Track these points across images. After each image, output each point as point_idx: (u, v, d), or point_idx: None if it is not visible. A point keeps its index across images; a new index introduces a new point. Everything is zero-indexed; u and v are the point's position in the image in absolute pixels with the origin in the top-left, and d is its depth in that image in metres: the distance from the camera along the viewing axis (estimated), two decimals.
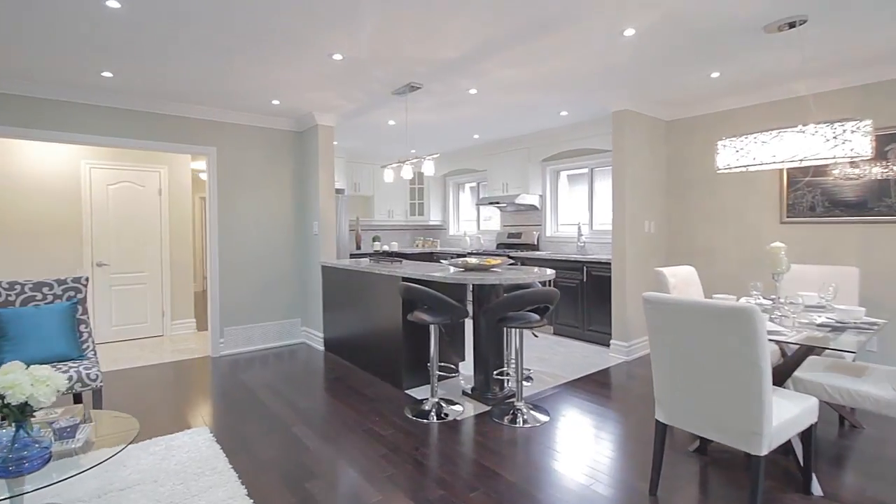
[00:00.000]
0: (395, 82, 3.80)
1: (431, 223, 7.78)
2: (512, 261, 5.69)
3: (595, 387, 3.62)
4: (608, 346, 4.68)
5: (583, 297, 4.94)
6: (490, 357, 3.36)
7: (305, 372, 4.11)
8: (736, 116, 4.33)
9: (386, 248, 6.64)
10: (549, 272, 3.24)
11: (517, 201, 5.84)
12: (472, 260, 3.53)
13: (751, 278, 4.25)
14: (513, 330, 3.52)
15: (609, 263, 4.66)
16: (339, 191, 6.81)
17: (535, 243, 6.16)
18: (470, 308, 3.54)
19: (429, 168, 3.93)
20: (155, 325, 5.55)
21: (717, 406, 1.93)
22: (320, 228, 4.84)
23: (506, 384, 3.51)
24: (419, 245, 7.68)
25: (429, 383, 3.51)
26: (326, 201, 4.87)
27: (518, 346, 3.10)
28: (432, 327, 3.15)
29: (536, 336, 5.23)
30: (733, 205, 4.38)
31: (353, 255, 6.84)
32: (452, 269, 3.53)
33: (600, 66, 3.47)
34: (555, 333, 5.28)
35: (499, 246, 6.67)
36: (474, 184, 7.47)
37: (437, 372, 3.20)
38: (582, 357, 4.41)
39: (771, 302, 2.64)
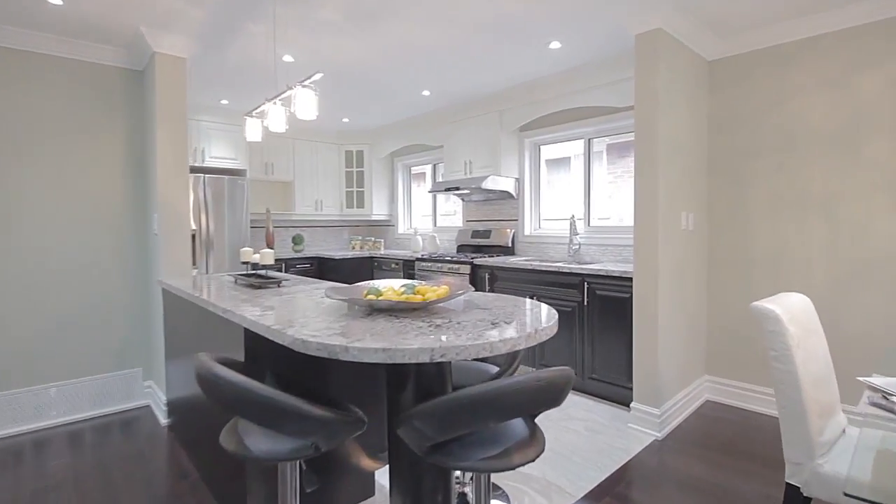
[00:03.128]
0: None
1: (375, 218, 5.96)
2: (472, 288, 3.94)
3: None
4: (625, 407, 3.00)
5: (583, 327, 3.25)
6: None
7: (125, 477, 2.24)
8: (820, 48, 2.71)
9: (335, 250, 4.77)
10: (547, 318, 1.50)
11: (484, 186, 4.10)
12: (391, 287, 1.76)
13: (848, 310, 2.65)
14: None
15: (623, 278, 2.98)
16: (235, 171, 4.90)
17: (510, 244, 4.44)
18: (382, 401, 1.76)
19: (307, 105, 2.09)
20: None
21: None
22: (162, 224, 2.95)
23: None
24: (355, 247, 5.85)
25: None
26: (172, 180, 2.98)
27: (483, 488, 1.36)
28: (280, 467, 1.36)
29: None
30: (820, 186, 2.77)
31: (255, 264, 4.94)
32: (347, 302, 1.73)
33: None
34: None
35: (460, 248, 4.92)
36: (429, 167, 5.70)
37: None
38: (586, 431, 2.72)
39: None
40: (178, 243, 3.01)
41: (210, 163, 4.68)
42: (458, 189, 4.31)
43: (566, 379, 1.17)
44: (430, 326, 1.37)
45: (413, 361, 1.13)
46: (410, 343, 1.17)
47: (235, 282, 2.60)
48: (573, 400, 3.20)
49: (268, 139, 5.28)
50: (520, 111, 4.16)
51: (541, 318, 1.48)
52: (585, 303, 3.22)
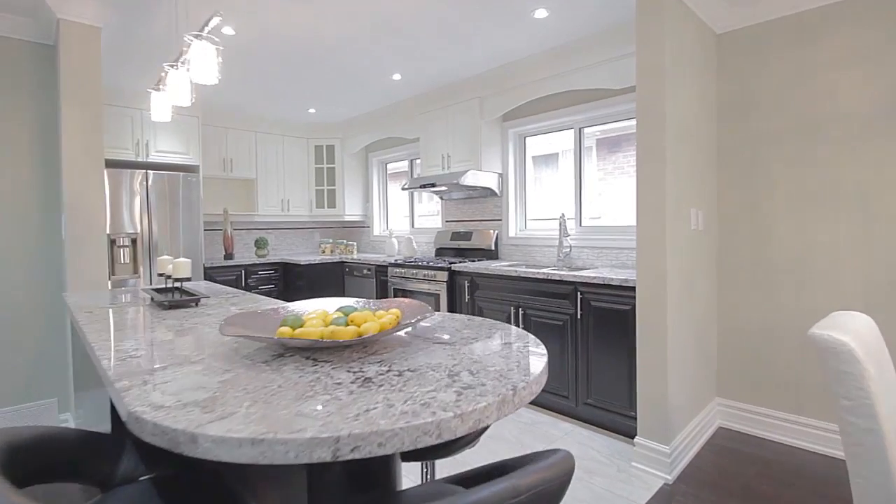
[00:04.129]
0: None
1: (348, 219, 5.47)
2: (435, 313, 3.50)
3: None
4: (627, 439, 2.56)
5: (576, 344, 2.80)
6: None
7: None
8: (851, 15, 2.30)
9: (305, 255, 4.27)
10: (537, 360, 1.04)
11: (463, 182, 3.64)
12: (322, 312, 1.31)
13: (891, 327, 2.24)
14: None
15: (624, 287, 2.54)
16: (187, 167, 4.38)
17: (493, 247, 3.99)
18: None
19: (205, 64, 1.58)
20: None
21: None
22: (70, 227, 2.44)
23: None
24: (325, 251, 5.35)
25: None
26: (82, 174, 2.47)
27: None
28: None
29: None
30: (853, 177, 2.36)
31: (210, 270, 4.43)
32: (247, 339, 1.26)
33: None
34: None
35: (439, 252, 4.46)
36: (406, 162, 5.22)
37: None
38: (582, 472, 2.26)
39: None
40: (91, 250, 2.50)
41: (156, 157, 4.16)
42: (433, 185, 3.84)
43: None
44: (356, 380, 0.90)
45: (301, 461, 0.66)
46: (304, 425, 0.70)
47: (152, 299, 2.10)
48: (564, 429, 2.75)
49: (227, 131, 4.76)
50: (502, 97, 3.70)
51: (526, 361, 1.02)
52: (579, 315, 2.77)
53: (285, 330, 1.14)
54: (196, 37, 1.52)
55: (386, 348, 1.15)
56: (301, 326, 1.19)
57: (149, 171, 3.93)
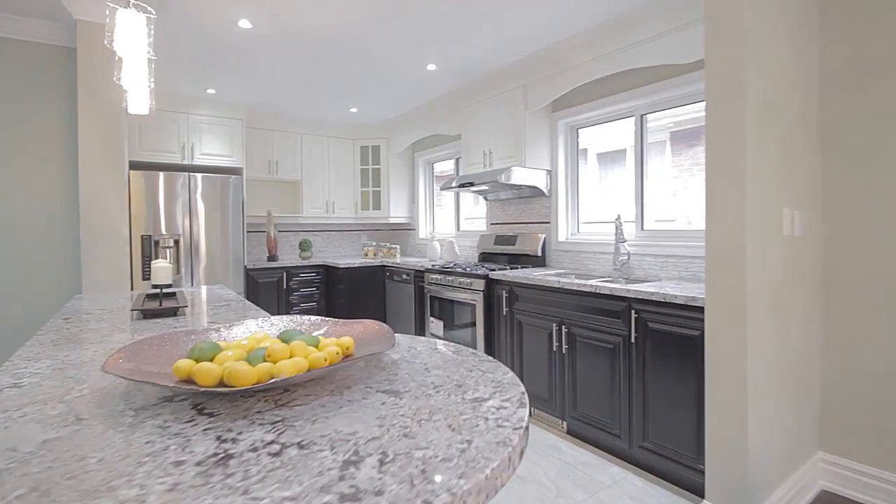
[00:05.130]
0: None
1: (393, 221, 5.27)
2: (398, 343, 3.11)
3: None
4: (693, 497, 2.04)
5: (629, 372, 2.32)
6: None
7: None
8: None
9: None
10: (496, 448, 0.67)
11: (504, 180, 3.25)
12: (251, 339, 1.02)
13: None
14: None
15: (690, 307, 2.03)
16: (230, 170, 4.39)
17: (539, 253, 3.55)
18: None
19: (130, 34, 1.33)
20: None
21: None
22: (85, 230, 2.39)
23: None
24: (368, 254, 5.16)
25: None
26: (99, 175, 2.41)
27: None
28: None
29: None
30: None
31: (253, 272, 4.39)
32: (132, 381, 0.99)
33: None
34: (569, 433, 2.67)
35: (482, 257, 4.09)
36: (453, 161, 4.91)
37: None
38: None
39: None
40: (109, 253, 2.44)
41: (201, 160, 4.19)
42: (472, 185, 3.49)
43: None
44: (211, 458, 0.59)
45: None
46: None
47: (142, 304, 1.95)
48: (614, 475, 2.27)
49: (272, 133, 4.74)
50: (549, 84, 3.27)
51: (483, 442, 0.65)
52: (633, 338, 2.29)
53: (183, 364, 0.86)
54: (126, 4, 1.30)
55: (309, 395, 0.83)
56: (212, 359, 0.91)
57: (192, 174, 3.95)
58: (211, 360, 0.90)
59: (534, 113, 3.43)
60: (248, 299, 4.39)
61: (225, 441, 0.65)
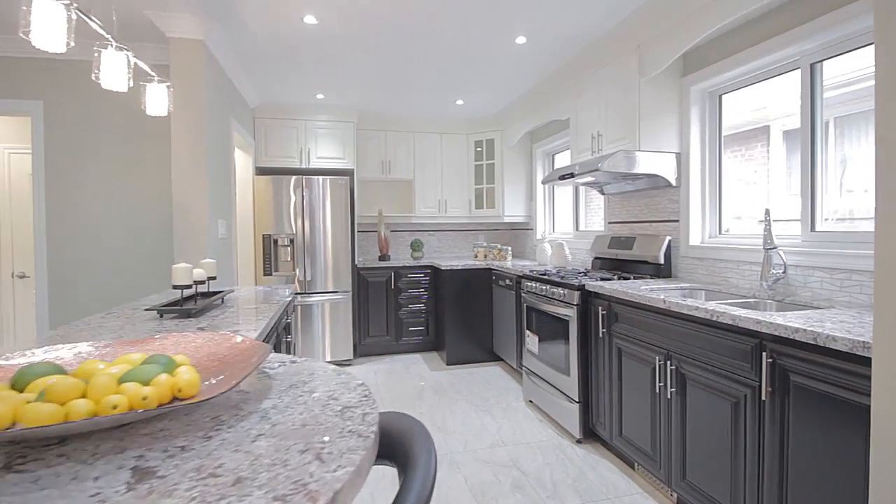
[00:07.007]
0: None
1: (508, 220, 4.87)
2: (248, 378, 2.49)
3: None
4: None
5: (757, 439, 1.56)
6: None
7: None
8: None
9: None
10: None
11: (611, 168, 2.60)
12: (141, 358, 0.80)
13: None
14: None
15: (853, 355, 1.23)
16: (342, 171, 4.55)
17: (661, 260, 2.78)
18: None
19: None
20: None
21: None
22: (179, 229, 2.62)
23: None
24: (478, 255, 4.84)
25: None
26: (188, 178, 2.61)
27: None
28: None
29: None
30: None
31: (363, 270, 4.48)
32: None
33: None
34: None
35: (596, 262, 3.43)
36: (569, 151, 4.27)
37: None
38: None
39: None
40: (192, 249, 2.63)
41: (316, 164, 4.43)
42: (571, 176, 2.90)
43: None
44: None
45: None
46: None
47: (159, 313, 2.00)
48: None
49: (385, 134, 4.79)
50: (671, 38, 2.50)
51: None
52: (763, 392, 1.53)
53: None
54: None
55: (157, 434, 0.57)
56: (41, 391, 0.72)
57: (305, 177, 4.19)
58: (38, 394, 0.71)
59: (653, 80, 2.69)
60: (357, 298, 4.52)
61: None
